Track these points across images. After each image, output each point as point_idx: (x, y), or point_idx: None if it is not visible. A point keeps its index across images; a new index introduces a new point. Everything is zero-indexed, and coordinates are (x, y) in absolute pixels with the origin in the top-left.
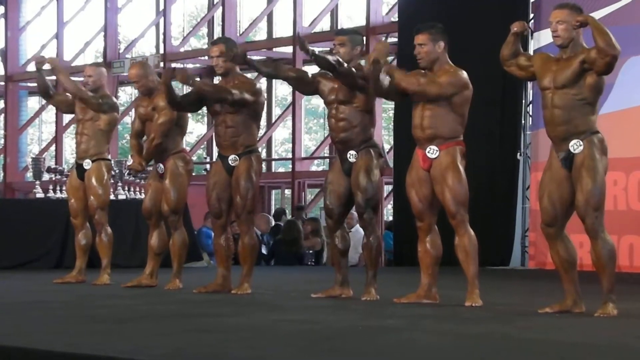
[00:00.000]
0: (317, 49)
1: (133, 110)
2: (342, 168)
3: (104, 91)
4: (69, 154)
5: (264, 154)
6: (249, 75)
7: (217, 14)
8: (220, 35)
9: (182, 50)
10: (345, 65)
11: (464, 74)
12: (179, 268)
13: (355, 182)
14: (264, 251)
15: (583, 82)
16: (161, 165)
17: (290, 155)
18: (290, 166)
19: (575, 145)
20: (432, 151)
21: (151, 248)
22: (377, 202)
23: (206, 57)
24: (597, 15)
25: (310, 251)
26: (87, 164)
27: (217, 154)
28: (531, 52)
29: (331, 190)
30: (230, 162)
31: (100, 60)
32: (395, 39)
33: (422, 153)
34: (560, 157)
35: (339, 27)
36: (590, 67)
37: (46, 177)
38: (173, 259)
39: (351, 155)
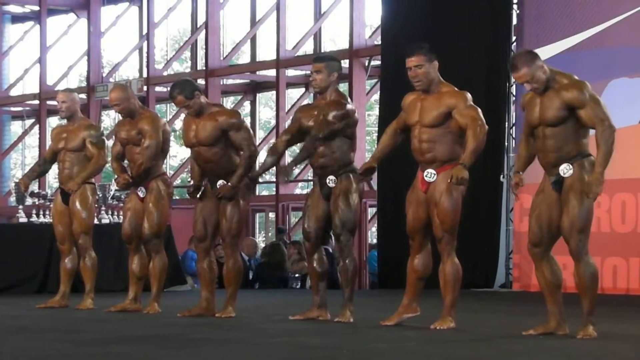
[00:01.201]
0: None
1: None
2: (320, 192)
3: (88, 121)
4: (52, 178)
5: None
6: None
7: (201, 37)
8: (205, 59)
9: (165, 74)
10: (320, 134)
11: (466, 93)
12: (158, 292)
13: (334, 206)
14: (251, 276)
15: (572, 116)
16: (143, 189)
17: (274, 179)
18: (274, 189)
19: (565, 169)
20: (430, 175)
21: (133, 273)
22: (355, 226)
23: None
24: (580, 38)
25: (297, 275)
26: None
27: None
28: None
29: (309, 214)
30: (218, 187)
31: (84, 84)
32: (379, 62)
33: (421, 176)
34: (551, 181)
35: (322, 51)
36: (575, 106)
37: (29, 201)
38: (152, 282)
39: (330, 180)
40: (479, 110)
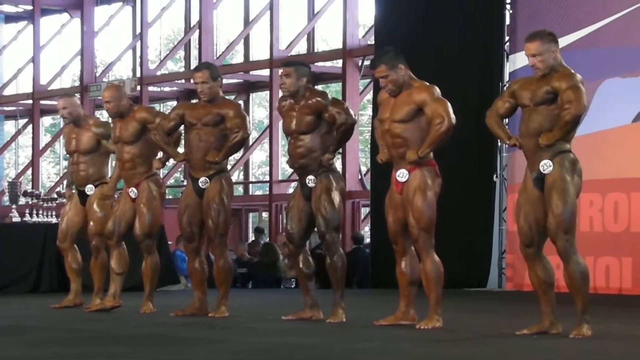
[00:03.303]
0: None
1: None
2: (301, 193)
3: (95, 120)
4: (46, 178)
5: (241, 177)
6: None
7: (194, 37)
8: (198, 59)
9: (158, 73)
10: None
11: (435, 87)
12: (152, 291)
13: (316, 206)
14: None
15: (559, 100)
16: (134, 189)
17: (267, 178)
18: (268, 189)
19: (545, 166)
20: (402, 175)
21: (112, 269)
22: (339, 224)
23: (183, 81)
24: (573, 38)
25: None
26: (89, 189)
27: (188, 174)
28: (507, 74)
29: (292, 216)
30: (200, 184)
31: (77, 84)
32: None
33: (394, 176)
34: (533, 177)
35: (315, 51)
36: (557, 92)
37: (22, 201)
38: (145, 282)
39: (310, 180)
40: (447, 104)
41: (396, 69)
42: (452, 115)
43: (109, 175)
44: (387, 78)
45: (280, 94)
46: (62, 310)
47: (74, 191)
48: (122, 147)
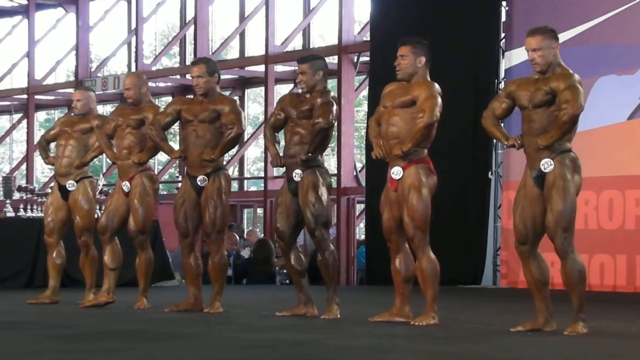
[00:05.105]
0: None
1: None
2: (288, 187)
3: (97, 115)
4: (40, 172)
5: (236, 173)
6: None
7: (189, 32)
8: (193, 55)
9: (154, 68)
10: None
11: (436, 85)
12: (146, 287)
13: (303, 201)
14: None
15: (559, 100)
16: (127, 183)
17: (262, 174)
18: (263, 185)
19: (546, 165)
20: (396, 172)
21: (105, 264)
22: (328, 220)
23: (178, 76)
24: (569, 35)
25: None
26: (71, 184)
27: (185, 172)
28: (502, 71)
29: (280, 213)
30: (199, 182)
31: (72, 79)
32: (368, 58)
33: (389, 174)
34: (533, 176)
35: (311, 47)
36: (555, 92)
37: (17, 196)
38: (139, 278)
39: (296, 174)
40: (435, 102)
41: (418, 57)
42: (435, 113)
43: (91, 172)
44: (405, 59)
45: (276, 90)
46: (56, 306)
47: (53, 184)
48: (123, 131)
